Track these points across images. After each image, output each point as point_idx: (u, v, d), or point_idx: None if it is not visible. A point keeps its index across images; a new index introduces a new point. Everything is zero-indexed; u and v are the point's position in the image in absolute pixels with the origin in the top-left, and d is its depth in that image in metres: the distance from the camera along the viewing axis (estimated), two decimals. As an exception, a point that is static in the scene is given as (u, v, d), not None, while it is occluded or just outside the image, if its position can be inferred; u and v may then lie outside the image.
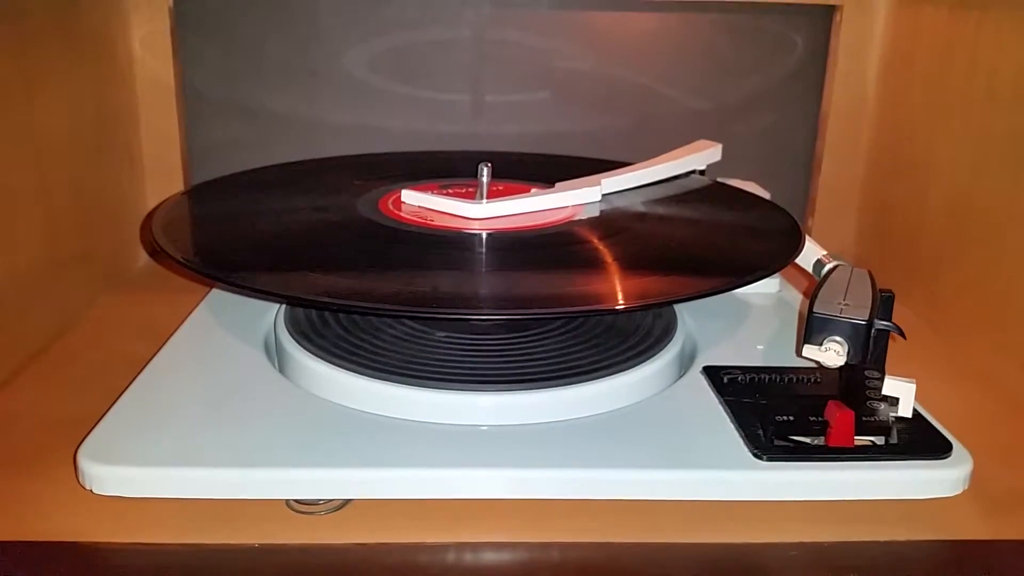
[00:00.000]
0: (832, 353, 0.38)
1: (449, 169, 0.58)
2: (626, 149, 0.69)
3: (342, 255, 0.45)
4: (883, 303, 0.40)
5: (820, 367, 0.43)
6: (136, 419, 0.38)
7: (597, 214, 0.51)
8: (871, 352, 0.38)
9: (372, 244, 0.46)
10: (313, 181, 0.58)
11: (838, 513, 0.37)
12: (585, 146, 0.70)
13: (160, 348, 0.45)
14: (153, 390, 0.41)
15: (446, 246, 0.46)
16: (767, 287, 0.56)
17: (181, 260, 0.42)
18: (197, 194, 0.57)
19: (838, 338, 0.38)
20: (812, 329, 0.38)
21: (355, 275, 0.42)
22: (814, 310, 0.39)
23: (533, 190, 0.52)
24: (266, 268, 0.43)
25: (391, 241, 0.46)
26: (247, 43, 0.67)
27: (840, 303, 0.39)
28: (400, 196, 0.52)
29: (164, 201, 0.51)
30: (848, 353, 0.38)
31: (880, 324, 0.39)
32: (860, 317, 0.38)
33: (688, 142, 0.68)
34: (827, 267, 0.46)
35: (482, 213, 0.48)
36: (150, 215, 0.48)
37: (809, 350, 0.39)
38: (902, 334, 0.39)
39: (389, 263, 0.44)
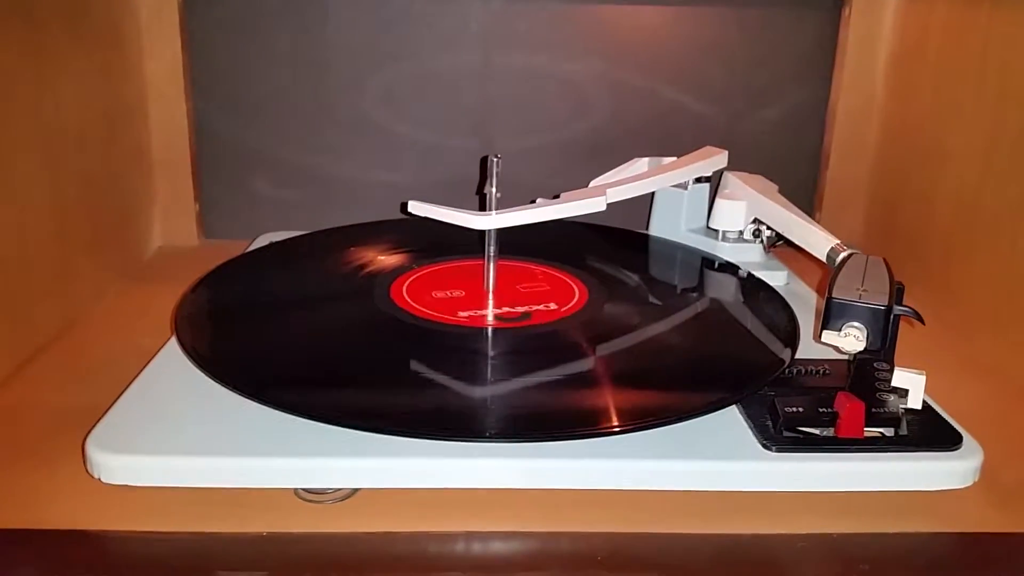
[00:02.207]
0: (851, 339, 0.38)
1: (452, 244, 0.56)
2: (634, 145, 0.69)
3: (358, 362, 0.43)
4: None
5: (828, 360, 0.43)
6: (145, 408, 0.38)
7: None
8: (889, 338, 0.38)
9: (384, 351, 0.44)
10: (326, 259, 0.57)
11: (847, 504, 0.37)
12: (593, 143, 0.70)
13: (168, 339, 0.45)
14: (161, 380, 0.41)
15: (454, 348, 0.44)
16: (775, 280, 0.55)
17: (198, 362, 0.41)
18: (213, 285, 0.52)
19: (857, 324, 0.38)
20: (831, 315, 0.38)
21: (367, 389, 0.41)
22: (833, 295, 0.38)
23: (539, 200, 0.52)
24: (279, 382, 0.41)
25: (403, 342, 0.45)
26: (256, 35, 0.67)
27: (858, 289, 0.39)
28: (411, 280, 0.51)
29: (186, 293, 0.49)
30: (867, 338, 0.38)
31: (898, 309, 0.39)
32: (879, 302, 0.38)
33: (696, 135, 0.68)
34: (841, 255, 0.46)
35: (490, 224, 0.48)
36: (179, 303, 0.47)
37: (828, 336, 0.38)
38: (920, 319, 0.39)
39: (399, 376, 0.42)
